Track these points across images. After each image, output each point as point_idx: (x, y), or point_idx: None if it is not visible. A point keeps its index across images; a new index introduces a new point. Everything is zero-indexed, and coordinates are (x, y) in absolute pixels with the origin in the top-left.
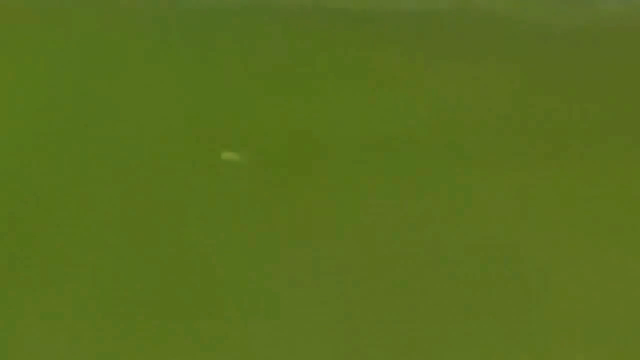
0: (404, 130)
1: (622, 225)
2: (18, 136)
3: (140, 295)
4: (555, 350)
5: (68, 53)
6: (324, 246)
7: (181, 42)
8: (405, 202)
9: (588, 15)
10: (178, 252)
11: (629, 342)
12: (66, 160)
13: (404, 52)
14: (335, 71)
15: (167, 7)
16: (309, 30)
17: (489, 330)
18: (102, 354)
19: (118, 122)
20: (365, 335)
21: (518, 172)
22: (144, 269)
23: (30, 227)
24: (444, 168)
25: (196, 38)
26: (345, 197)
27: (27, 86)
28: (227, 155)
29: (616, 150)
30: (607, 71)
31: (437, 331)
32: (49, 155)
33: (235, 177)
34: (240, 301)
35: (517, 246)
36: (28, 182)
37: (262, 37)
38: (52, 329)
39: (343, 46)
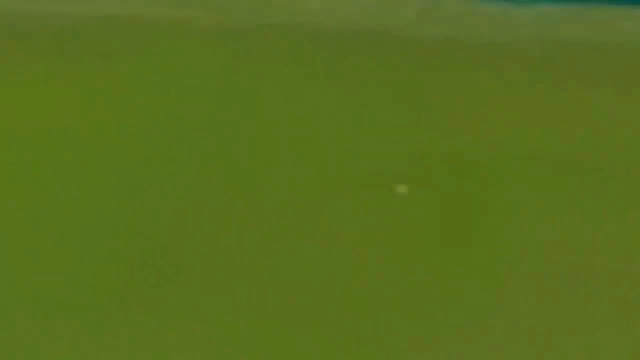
0: (558, 151)
1: None
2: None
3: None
4: None
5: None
6: (495, 270)
7: (347, 74)
8: (568, 226)
9: None
10: (349, 283)
11: None
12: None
13: (552, 78)
14: (490, 98)
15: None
16: (461, 62)
17: None
18: None
19: (290, 160)
20: None
21: None
22: (320, 301)
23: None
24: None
25: (363, 71)
26: (512, 218)
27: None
28: (400, 188)
29: None
30: None
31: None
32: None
33: (404, 208)
34: (410, 334)
35: None
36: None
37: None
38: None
39: (494, 74)
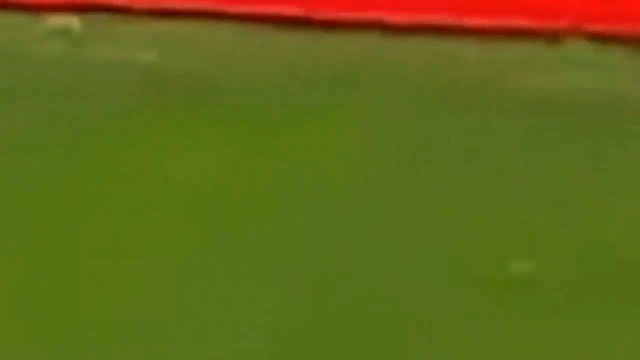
0: None
1: None
2: None
3: None
4: None
5: None
6: None
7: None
8: None
9: None
10: None
11: None
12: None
13: None
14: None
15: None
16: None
17: None
18: None
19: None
20: None
21: None
22: None
23: None
24: None
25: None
26: None
27: None
28: (517, 265)
29: None
30: None
31: None
32: None
33: (524, 288)
34: None
35: None
36: None
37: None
38: None
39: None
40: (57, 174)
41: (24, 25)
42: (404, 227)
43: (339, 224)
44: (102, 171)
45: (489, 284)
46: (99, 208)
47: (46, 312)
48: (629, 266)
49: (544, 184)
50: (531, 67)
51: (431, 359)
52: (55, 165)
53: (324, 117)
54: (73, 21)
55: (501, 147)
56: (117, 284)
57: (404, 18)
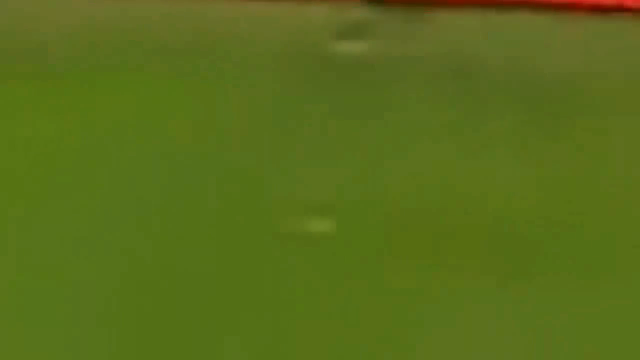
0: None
1: None
2: None
3: None
4: None
5: None
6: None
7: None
8: None
9: None
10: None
11: None
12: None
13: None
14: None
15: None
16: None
17: None
18: None
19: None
20: None
21: None
22: None
23: None
24: None
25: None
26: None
27: None
28: (315, 224)
29: None
30: None
31: None
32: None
33: (322, 248)
34: None
35: None
36: None
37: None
38: None
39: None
40: None
41: None
42: (203, 182)
43: (165, 181)
44: None
45: (288, 241)
46: None
47: None
48: (432, 231)
49: (348, 144)
50: (323, 30)
51: (234, 313)
52: None
53: (151, 81)
54: None
55: (306, 109)
56: None
57: None
